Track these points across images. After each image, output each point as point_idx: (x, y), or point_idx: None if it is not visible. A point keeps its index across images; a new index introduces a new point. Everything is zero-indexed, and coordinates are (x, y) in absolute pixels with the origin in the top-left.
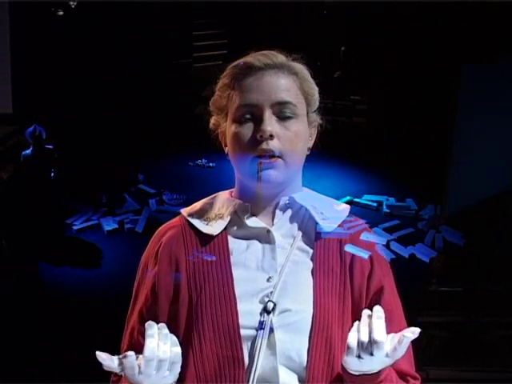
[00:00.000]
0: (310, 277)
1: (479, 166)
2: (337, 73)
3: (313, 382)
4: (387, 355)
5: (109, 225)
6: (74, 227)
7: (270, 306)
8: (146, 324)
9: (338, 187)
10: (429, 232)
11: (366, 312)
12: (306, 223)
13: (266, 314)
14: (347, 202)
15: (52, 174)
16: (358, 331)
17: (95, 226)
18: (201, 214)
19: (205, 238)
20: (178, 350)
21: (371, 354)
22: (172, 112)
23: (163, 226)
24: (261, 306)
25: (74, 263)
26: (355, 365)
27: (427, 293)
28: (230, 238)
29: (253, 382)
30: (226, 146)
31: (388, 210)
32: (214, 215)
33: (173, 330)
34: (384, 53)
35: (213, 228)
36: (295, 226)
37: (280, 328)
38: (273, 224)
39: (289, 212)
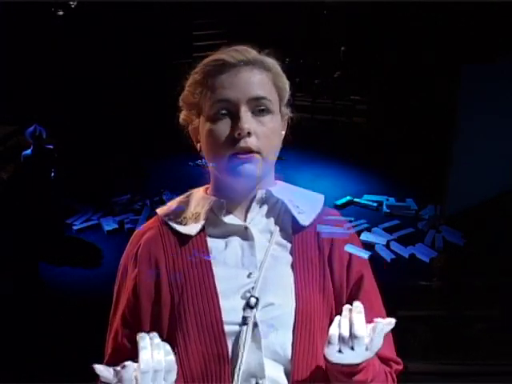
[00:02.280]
0: (290, 270)
1: (479, 166)
2: (337, 73)
3: (297, 373)
4: (367, 349)
5: (109, 225)
6: (74, 227)
7: (253, 301)
8: (138, 336)
9: (338, 187)
10: (429, 232)
11: (346, 307)
12: (282, 217)
13: (249, 310)
14: (347, 202)
15: (52, 174)
16: (339, 326)
17: (95, 225)
18: (177, 214)
19: (183, 238)
20: (172, 358)
21: (352, 349)
22: (172, 112)
23: (140, 227)
24: (243, 302)
25: (74, 263)
26: (336, 358)
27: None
28: (208, 237)
29: (238, 377)
30: (197, 142)
31: (388, 210)
32: (190, 214)
33: (156, 330)
34: (384, 53)
35: (190, 228)
36: (272, 220)
37: (263, 322)
38: (248, 219)
39: (265, 207)
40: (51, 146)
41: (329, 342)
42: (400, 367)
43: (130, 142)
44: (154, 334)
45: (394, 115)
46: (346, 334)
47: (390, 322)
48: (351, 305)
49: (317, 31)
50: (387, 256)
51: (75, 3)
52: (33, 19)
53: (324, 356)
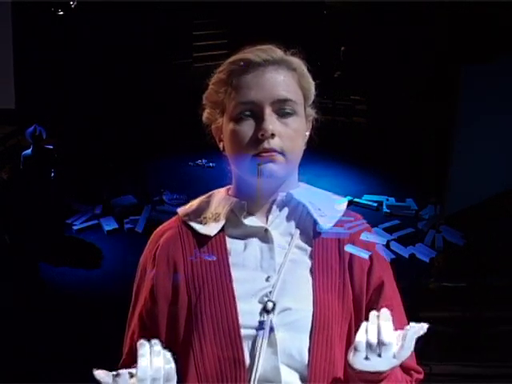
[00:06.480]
0: (309, 275)
1: (479, 165)
2: (337, 73)
3: (314, 379)
4: (394, 356)
5: (109, 225)
6: (74, 227)
7: (270, 305)
8: (138, 343)
9: (338, 187)
10: (429, 232)
11: (373, 313)
12: (303, 220)
13: (265, 314)
14: (347, 202)
15: (52, 174)
16: (366, 332)
17: (95, 225)
18: (197, 214)
19: (202, 239)
20: (172, 366)
21: (379, 356)
22: (172, 112)
23: (160, 227)
24: (260, 306)
25: (73, 263)
26: (362, 365)
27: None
28: (227, 238)
29: (253, 381)
30: (220, 141)
31: (388, 210)
32: (210, 215)
33: (173, 331)
34: (384, 53)
35: (210, 228)
36: (292, 223)
37: (280, 327)
38: (268, 222)
39: (286, 209)
40: (51, 146)
41: (355, 349)
42: (420, 376)
43: (130, 142)
44: (156, 342)
45: (394, 115)
46: (373, 340)
47: (422, 327)
48: (371, 311)
49: (317, 31)
50: (387, 256)
51: (75, 3)
52: (33, 19)
53: (348, 363)
